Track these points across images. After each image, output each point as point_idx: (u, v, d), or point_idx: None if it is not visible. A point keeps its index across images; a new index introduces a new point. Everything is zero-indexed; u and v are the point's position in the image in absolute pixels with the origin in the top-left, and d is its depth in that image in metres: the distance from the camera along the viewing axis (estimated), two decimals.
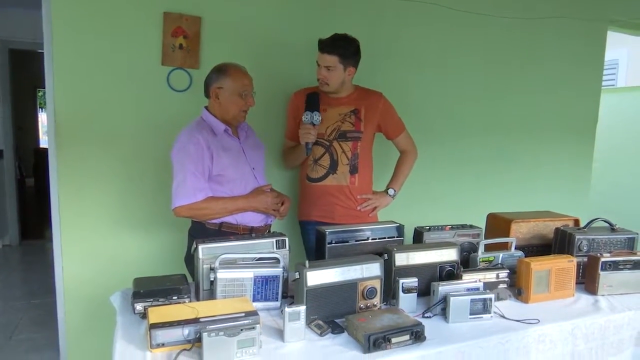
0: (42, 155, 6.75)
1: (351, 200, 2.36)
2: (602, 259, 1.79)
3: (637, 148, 4.76)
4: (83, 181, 2.32)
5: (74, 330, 2.40)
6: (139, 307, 1.48)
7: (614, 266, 1.80)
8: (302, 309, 1.38)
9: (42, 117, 12.82)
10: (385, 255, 1.70)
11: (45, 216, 5.21)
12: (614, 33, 3.82)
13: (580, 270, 1.87)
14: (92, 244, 2.37)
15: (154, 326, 1.28)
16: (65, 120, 2.26)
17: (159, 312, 1.36)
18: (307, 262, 1.50)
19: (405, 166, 2.48)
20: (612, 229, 2.00)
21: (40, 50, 2.27)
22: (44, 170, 4.12)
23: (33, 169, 7.97)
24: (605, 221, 2.02)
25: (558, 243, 1.98)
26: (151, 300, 1.48)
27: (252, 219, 2.01)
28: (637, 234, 1.99)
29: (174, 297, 1.50)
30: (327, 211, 2.35)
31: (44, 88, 2.31)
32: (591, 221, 2.00)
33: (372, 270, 1.57)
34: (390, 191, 2.44)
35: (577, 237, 1.90)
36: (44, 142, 11.10)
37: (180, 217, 1.93)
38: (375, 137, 2.45)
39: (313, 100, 2.22)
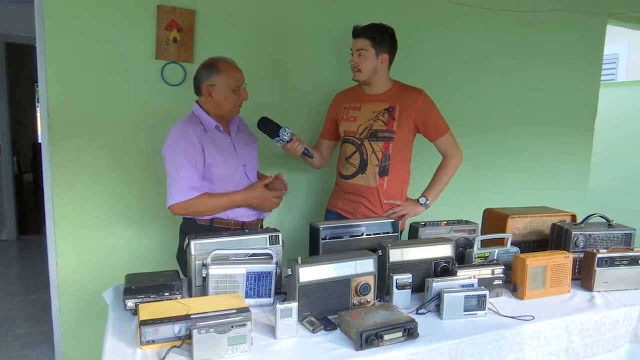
0: (40, 150, 6.70)
1: (377, 203, 2.21)
2: (598, 255, 1.77)
3: (637, 143, 4.74)
4: (77, 175, 2.31)
5: (68, 325, 2.39)
6: (130, 303, 1.47)
7: (610, 262, 1.78)
8: (294, 305, 1.37)
9: None
10: (380, 251, 1.69)
11: (43, 211, 5.21)
12: (614, 27, 3.78)
13: (577, 266, 1.86)
14: (86, 239, 2.36)
15: (143, 323, 1.27)
16: (58, 114, 2.24)
17: (150, 309, 1.35)
18: (299, 258, 1.49)
19: (443, 172, 2.27)
20: (609, 224, 1.98)
21: (35, 45, 2.25)
22: (42, 165, 4.13)
23: (31, 164, 7.95)
24: (602, 217, 2.00)
25: (554, 239, 1.96)
26: (142, 296, 1.47)
27: (244, 214, 1.97)
28: (634, 229, 1.97)
29: (165, 294, 1.49)
30: (352, 207, 2.25)
31: None
32: (588, 217, 1.99)
33: (365, 266, 1.56)
34: (422, 199, 2.24)
35: (573, 232, 1.89)
36: None
37: (176, 215, 1.91)
38: (415, 138, 2.30)
39: (267, 125, 2.04)
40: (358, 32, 2.17)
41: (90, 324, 2.27)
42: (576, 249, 1.88)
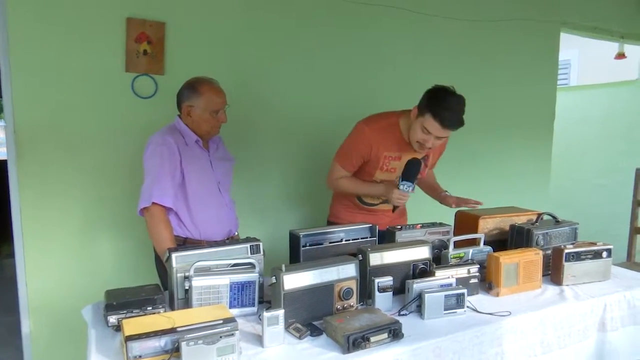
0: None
1: (397, 213, 2.30)
2: (566, 250, 1.87)
3: (591, 144, 4.99)
4: (46, 191, 2.24)
5: (40, 347, 2.30)
6: (112, 319, 1.44)
7: (577, 257, 1.88)
8: (280, 312, 1.38)
9: None
10: (360, 255, 1.72)
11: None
12: (566, 35, 3.98)
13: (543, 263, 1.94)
14: (58, 256, 2.29)
15: (129, 338, 1.25)
16: (26, 129, 2.17)
17: (134, 324, 1.33)
18: (283, 265, 1.51)
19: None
20: (557, 221, 2.10)
21: None
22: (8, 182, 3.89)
23: None
24: (549, 215, 2.12)
25: (515, 239, 2.04)
26: (125, 311, 1.44)
27: (217, 234, 2.00)
28: (578, 223, 2.10)
29: (148, 308, 1.47)
30: (373, 222, 2.16)
31: None
32: (539, 216, 2.10)
33: (347, 271, 1.58)
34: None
35: (535, 232, 1.97)
36: None
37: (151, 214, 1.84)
38: None
39: (415, 170, 2.06)
40: (456, 125, 2.07)
41: (64, 344, 2.21)
42: (537, 246, 1.96)
